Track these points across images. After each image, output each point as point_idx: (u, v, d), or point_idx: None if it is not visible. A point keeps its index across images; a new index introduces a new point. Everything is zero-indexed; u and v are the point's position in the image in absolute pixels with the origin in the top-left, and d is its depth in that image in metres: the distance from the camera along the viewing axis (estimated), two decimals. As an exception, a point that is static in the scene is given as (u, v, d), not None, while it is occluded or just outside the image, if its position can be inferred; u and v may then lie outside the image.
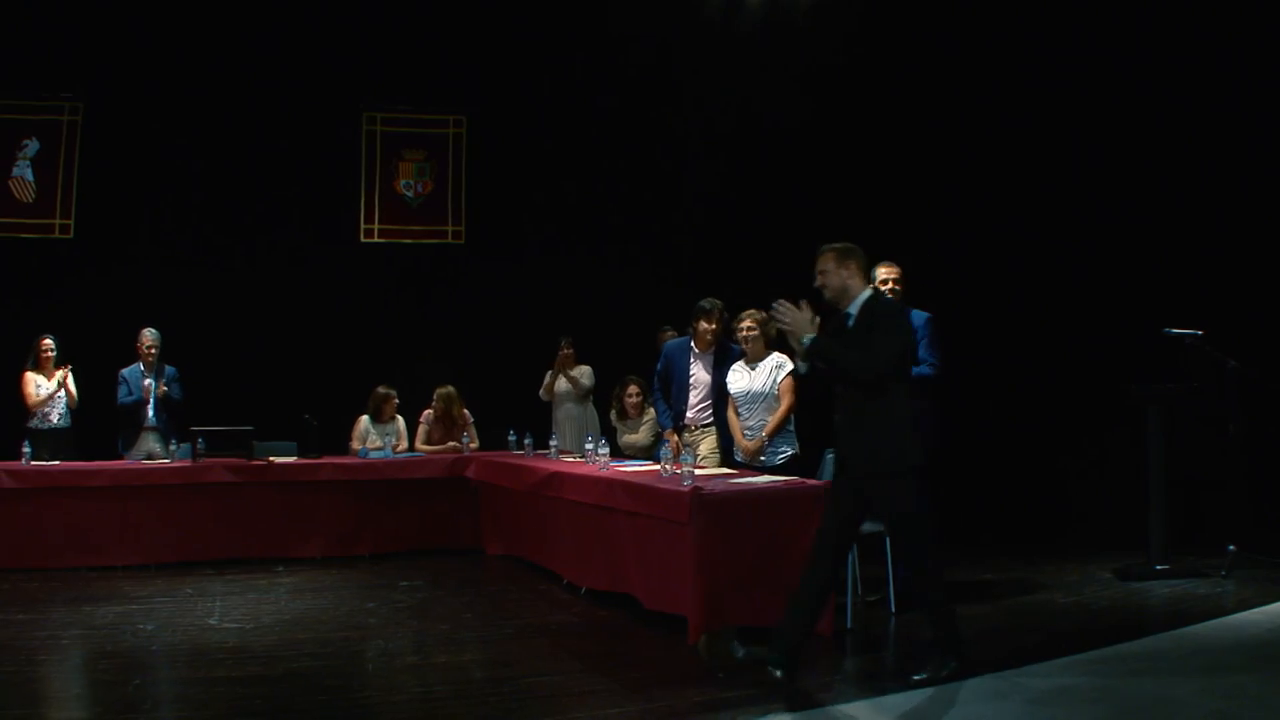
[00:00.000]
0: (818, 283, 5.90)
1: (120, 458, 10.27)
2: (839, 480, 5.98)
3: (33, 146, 12.03)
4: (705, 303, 8.63)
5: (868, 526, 6.87)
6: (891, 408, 5.69)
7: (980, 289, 11.54)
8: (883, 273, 7.50)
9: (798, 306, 5.77)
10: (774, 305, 5.80)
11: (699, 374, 8.61)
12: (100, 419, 10.53)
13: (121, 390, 10.35)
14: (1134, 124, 10.82)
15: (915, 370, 7.17)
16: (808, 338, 5.68)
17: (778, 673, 5.62)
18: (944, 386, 7.65)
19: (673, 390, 8.73)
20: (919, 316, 7.47)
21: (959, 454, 8.47)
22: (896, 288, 7.48)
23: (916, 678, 5.63)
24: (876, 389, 5.67)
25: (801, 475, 7.44)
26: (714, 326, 8.54)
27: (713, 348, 8.56)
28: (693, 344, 8.67)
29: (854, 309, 5.83)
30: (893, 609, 7.30)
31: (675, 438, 8.53)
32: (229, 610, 7.82)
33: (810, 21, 12.13)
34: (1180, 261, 10.33)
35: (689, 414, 8.64)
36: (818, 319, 5.79)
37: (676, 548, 6.62)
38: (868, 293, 5.87)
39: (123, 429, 10.48)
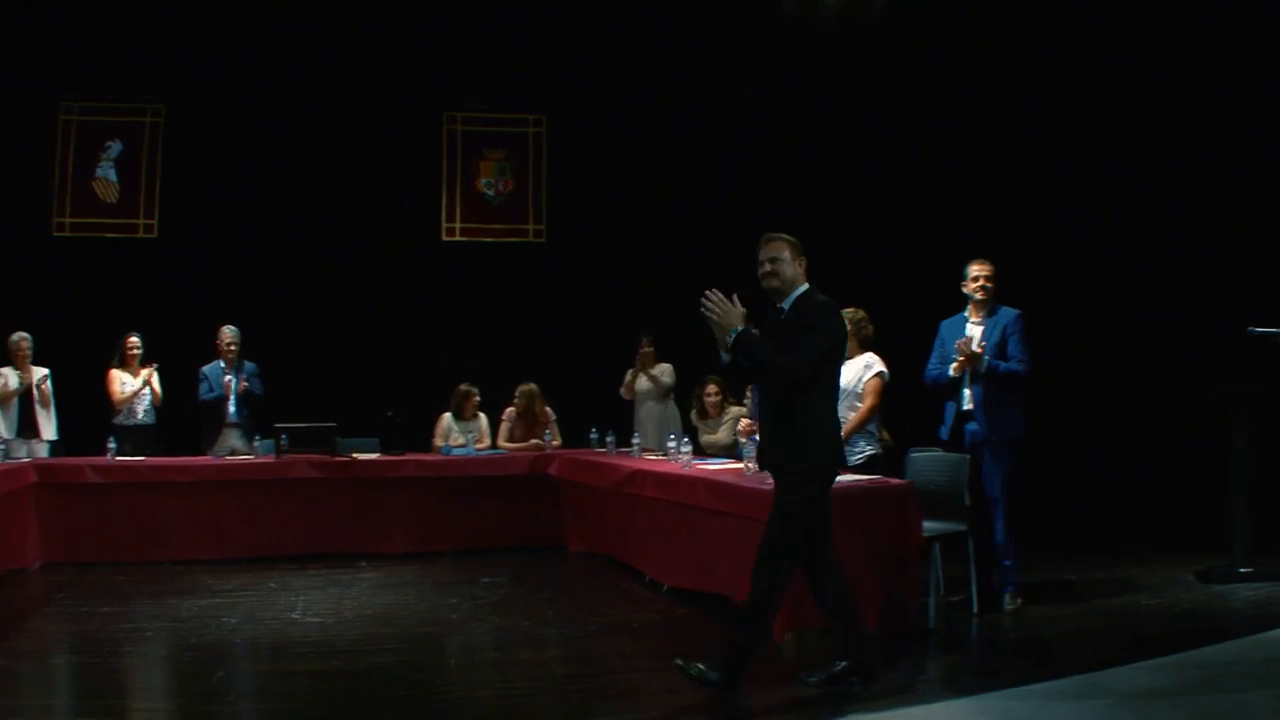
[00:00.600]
0: (767, 269, 5.69)
1: (203, 454, 10.29)
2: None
3: (115, 148, 12.18)
4: None
5: (942, 526, 6.89)
6: (811, 408, 5.52)
7: (1066, 286, 11.33)
8: (975, 270, 7.47)
9: (730, 299, 5.53)
10: (704, 294, 5.54)
11: None
12: (183, 416, 10.61)
13: (203, 387, 10.41)
14: (1221, 119, 10.55)
15: (1004, 367, 7.21)
16: (735, 329, 5.44)
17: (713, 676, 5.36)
18: (1031, 384, 7.51)
19: None
20: (1008, 313, 7.44)
21: (1043, 451, 8.27)
22: (988, 285, 7.43)
23: (812, 679, 5.55)
24: (798, 389, 5.50)
25: (882, 475, 7.33)
26: None
27: None
28: None
29: (787, 304, 5.67)
30: (975, 610, 7.17)
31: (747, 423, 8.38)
32: (311, 604, 7.82)
33: (887, 12, 12.00)
34: (1267, 259, 10.04)
35: None
36: (745, 312, 5.55)
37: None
38: (804, 287, 5.69)
39: (205, 426, 10.53)
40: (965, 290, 7.55)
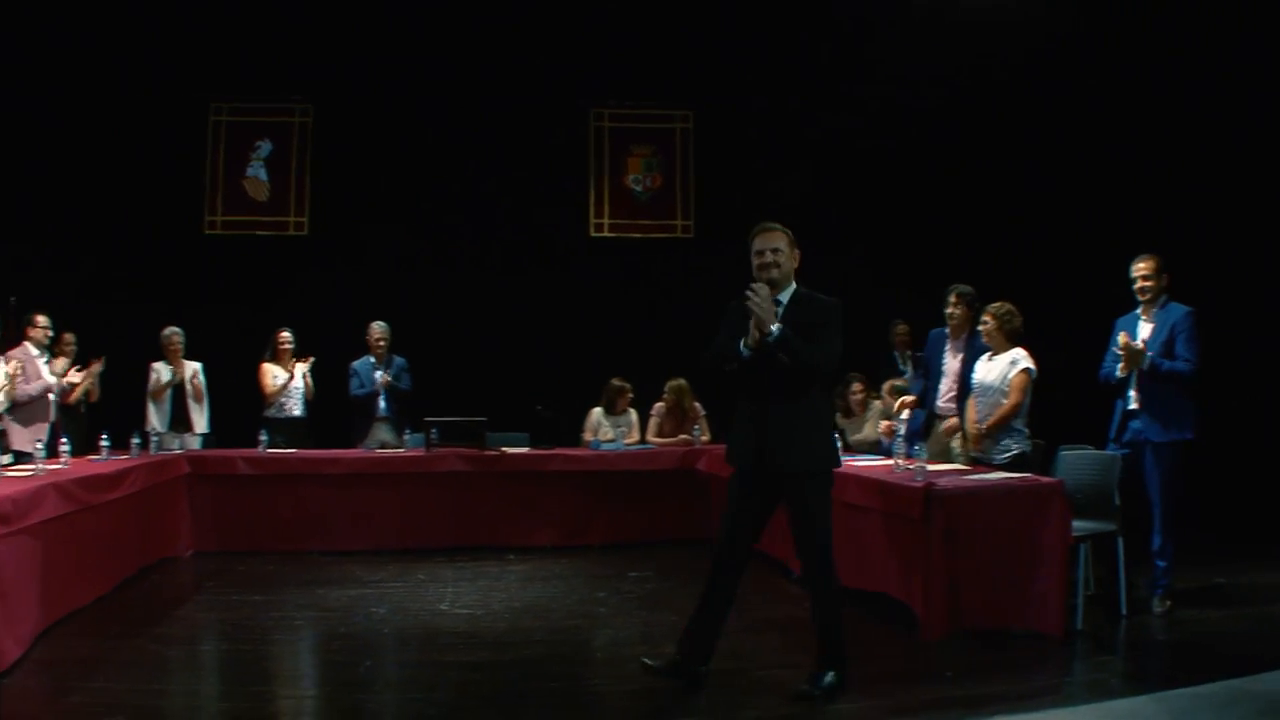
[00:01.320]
0: (768, 259, 5.54)
1: (353, 448, 10.32)
2: (748, 481, 5.58)
3: (265, 148, 12.37)
4: (951, 287, 8.29)
5: (1092, 526, 6.72)
6: (817, 406, 5.54)
7: (1245, 283, 10.90)
8: (1136, 268, 7.32)
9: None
10: (750, 287, 5.38)
11: (949, 362, 8.29)
12: (333, 409, 10.65)
13: (354, 383, 10.45)
14: None
15: (1168, 365, 7.01)
16: (776, 327, 5.31)
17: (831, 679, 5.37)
18: (1206, 385, 7.27)
19: (930, 379, 8.45)
20: (1178, 310, 7.23)
21: (1218, 453, 7.92)
22: (1147, 283, 7.27)
23: (803, 689, 5.36)
24: (808, 387, 5.44)
25: (1032, 474, 7.12)
26: (953, 311, 8.19)
27: (962, 334, 8.18)
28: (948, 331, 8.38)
29: (784, 298, 5.53)
30: (1123, 611, 6.91)
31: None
32: (460, 596, 7.79)
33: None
34: None
35: (939, 403, 8.33)
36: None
37: (910, 544, 6.44)
38: (794, 285, 5.59)
39: (355, 420, 10.56)
40: (1134, 288, 7.34)
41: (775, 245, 5.56)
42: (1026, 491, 6.45)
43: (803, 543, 5.52)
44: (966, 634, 6.21)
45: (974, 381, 7.65)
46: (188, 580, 8.45)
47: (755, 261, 5.56)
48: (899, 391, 9.02)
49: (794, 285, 5.58)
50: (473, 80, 12.20)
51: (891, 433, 8.70)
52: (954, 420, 7.84)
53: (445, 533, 9.63)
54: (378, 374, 10.42)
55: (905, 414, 8.63)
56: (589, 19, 12.12)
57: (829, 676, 5.34)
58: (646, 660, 5.59)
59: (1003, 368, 7.39)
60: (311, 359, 10.46)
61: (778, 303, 5.48)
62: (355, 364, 10.52)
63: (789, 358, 5.31)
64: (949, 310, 8.18)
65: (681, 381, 10.57)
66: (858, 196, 12.50)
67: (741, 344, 5.40)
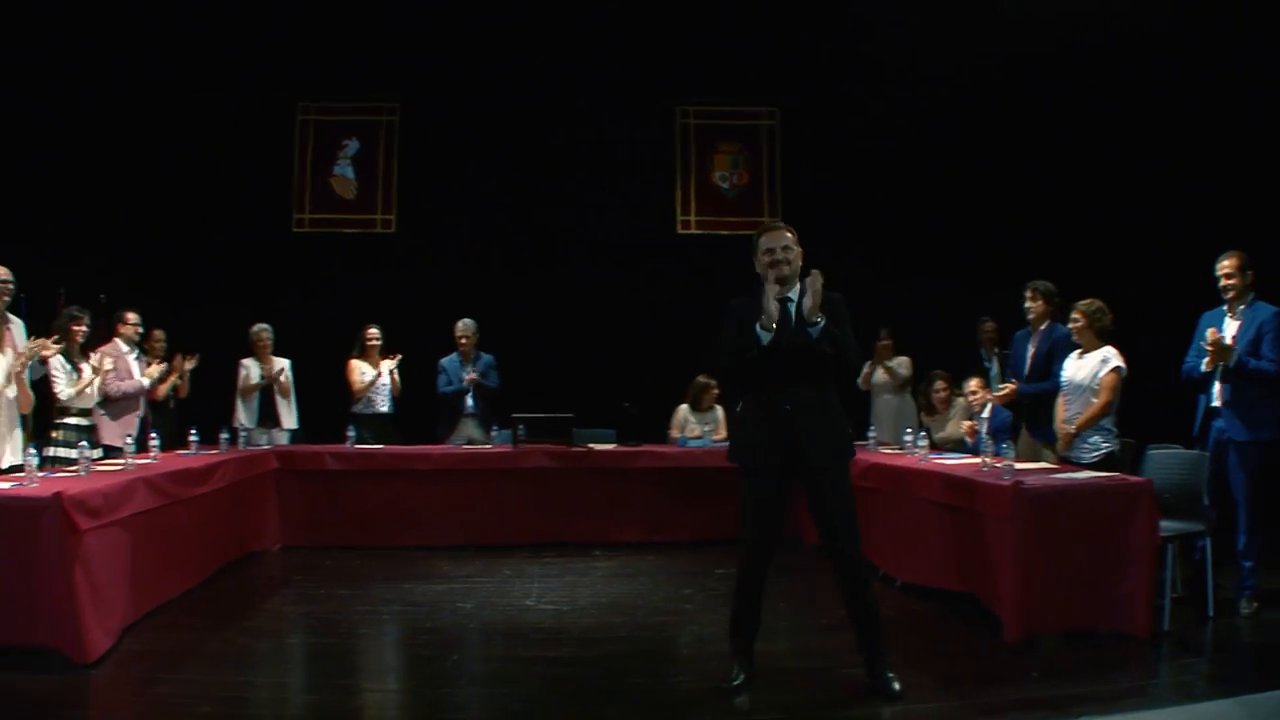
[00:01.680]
0: (778, 256, 5.52)
1: (441, 444, 10.33)
2: (774, 478, 5.52)
3: (353, 146, 12.46)
4: (1029, 283, 8.28)
5: (1179, 526, 6.59)
6: (835, 399, 5.58)
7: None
8: (1220, 265, 7.18)
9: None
10: (813, 273, 5.38)
11: (1026, 358, 8.26)
12: (420, 406, 10.68)
13: (441, 380, 10.45)
14: None
15: (1254, 364, 6.92)
16: (822, 318, 5.35)
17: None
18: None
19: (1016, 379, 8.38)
20: (1265, 310, 7.08)
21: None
22: (1229, 281, 7.12)
23: (896, 687, 5.30)
24: (829, 378, 5.52)
25: (1119, 472, 7.01)
26: (1030, 305, 8.19)
27: (1041, 328, 8.14)
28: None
29: (793, 295, 5.52)
30: (1210, 613, 6.75)
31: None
32: (546, 592, 7.77)
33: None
34: None
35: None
36: None
37: (996, 543, 6.35)
38: (799, 283, 5.54)
39: (442, 416, 10.57)
40: (1219, 286, 7.21)
41: (785, 243, 5.56)
42: (1114, 491, 6.33)
43: (837, 533, 5.48)
44: (1052, 634, 6.17)
45: (1063, 380, 7.58)
46: (275, 574, 8.51)
47: (765, 260, 5.55)
48: (984, 388, 8.88)
49: (799, 283, 5.53)
50: (559, 78, 12.19)
51: (974, 432, 8.56)
52: (1063, 433, 7.57)
53: (531, 528, 9.62)
54: (465, 371, 10.41)
55: (986, 411, 8.49)
56: (674, 16, 12.07)
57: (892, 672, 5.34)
58: (726, 685, 5.44)
59: (1093, 366, 7.32)
60: (398, 356, 10.48)
61: (789, 300, 5.51)
62: (443, 361, 10.52)
63: (831, 348, 5.37)
64: (1025, 305, 8.19)
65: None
66: (945, 191, 12.32)
67: (758, 328, 5.39)
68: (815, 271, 5.39)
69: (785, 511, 5.64)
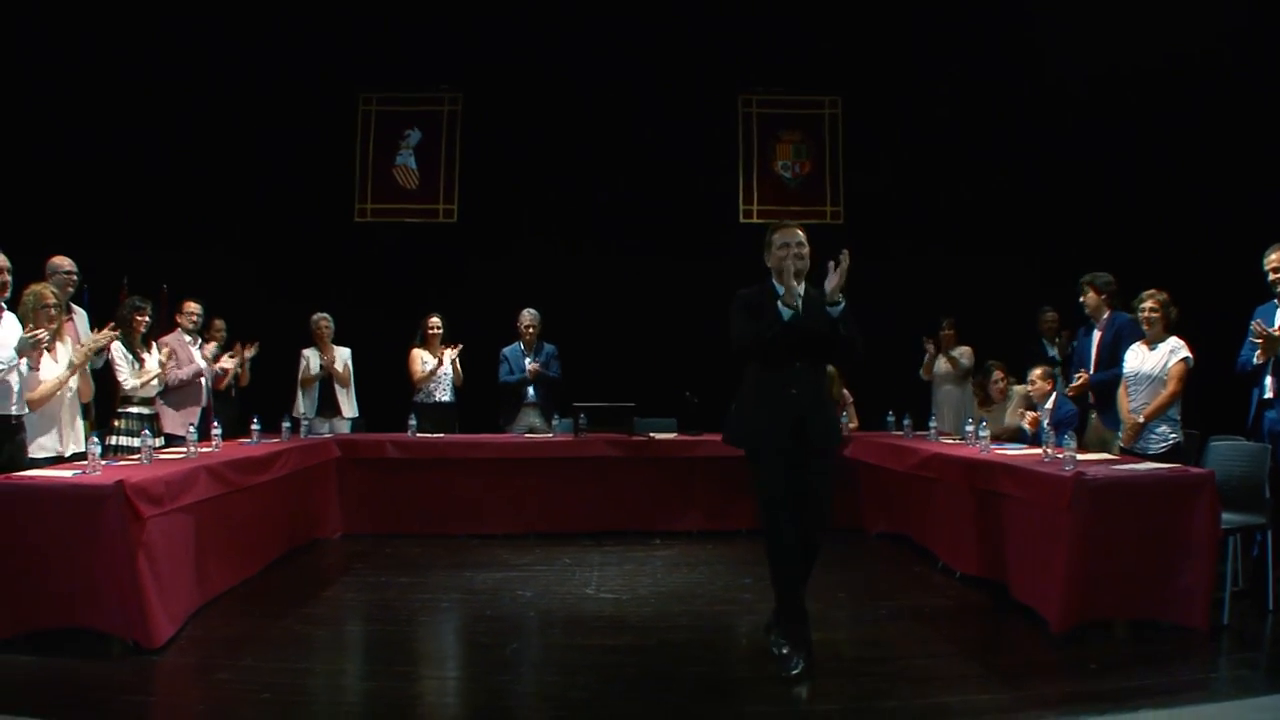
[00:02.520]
0: (794, 250, 5.72)
1: (502, 433, 10.35)
2: (779, 453, 5.64)
3: (414, 136, 12.49)
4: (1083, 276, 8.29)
5: (1240, 519, 6.56)
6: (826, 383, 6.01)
7: None
8: (1272, 259, 7.07)
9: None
10: (844, 251, 5.60)
11: (1091, 349, 8.25)
12: (482, 394, 10.71)
13: (503, 369, 10.47)
14: None
15: None
16: (843, 300, 5.58)
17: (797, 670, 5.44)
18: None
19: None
20: None
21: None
22: (1278, 275, 7.03)
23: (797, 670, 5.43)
24: (825, 368, 6.01)
25: (1184, 464, 6.92)
26: (1084, 299, 8.21)
27: (1103, 318, 8.15)
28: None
29: (801, 291, 5.66)
30: (1270, 607, 6.63)
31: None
32: (605, 580, 7.76)
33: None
34: None
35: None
36: None
37: (1057, 533, 6.25)
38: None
39: (503, 405, 10.58)
40: (1268, 280, 7.11)
41: (800, 239, 5.76)
42: (1176, 482, 6.23)
43: (815, 513, 5.67)
44: (1111, 626, 6.08)
45: (1127, 371, 7.54)
46: (336, 562, 8.54)
47: (780, 254, 5.72)
48: (1048, 378, 8.74)
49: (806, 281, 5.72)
50: (621, 67, 12.14)
51: (1036, 423, 8.46)
52: (1130, 424, 7.52)
53: (592, 517, 9.61)
54: (527, 361, 10.41)
55: (1050, 402, 8.40)
56: (737, 5, 12.01)
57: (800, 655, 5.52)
58: (786, 675, 5.43)
59: (1161, 356, 7.31)
60: (459, 346, 10.50)
61: (798, 298, 5.63)
62: (505, 350, 10.53)
63: (846, 330, 5.58)
64: (1081, 299, 8.22)
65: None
66: (1005, 182, 12.17)
67: (780, 305, 5.58)
68: (846, 250, 5.57)
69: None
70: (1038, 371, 8.79)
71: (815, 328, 5.55)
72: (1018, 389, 9.36)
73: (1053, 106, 11.99)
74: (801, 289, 5.61)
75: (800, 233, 5.77)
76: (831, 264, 5.55)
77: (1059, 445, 6.94)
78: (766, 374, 5.71)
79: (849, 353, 5.72)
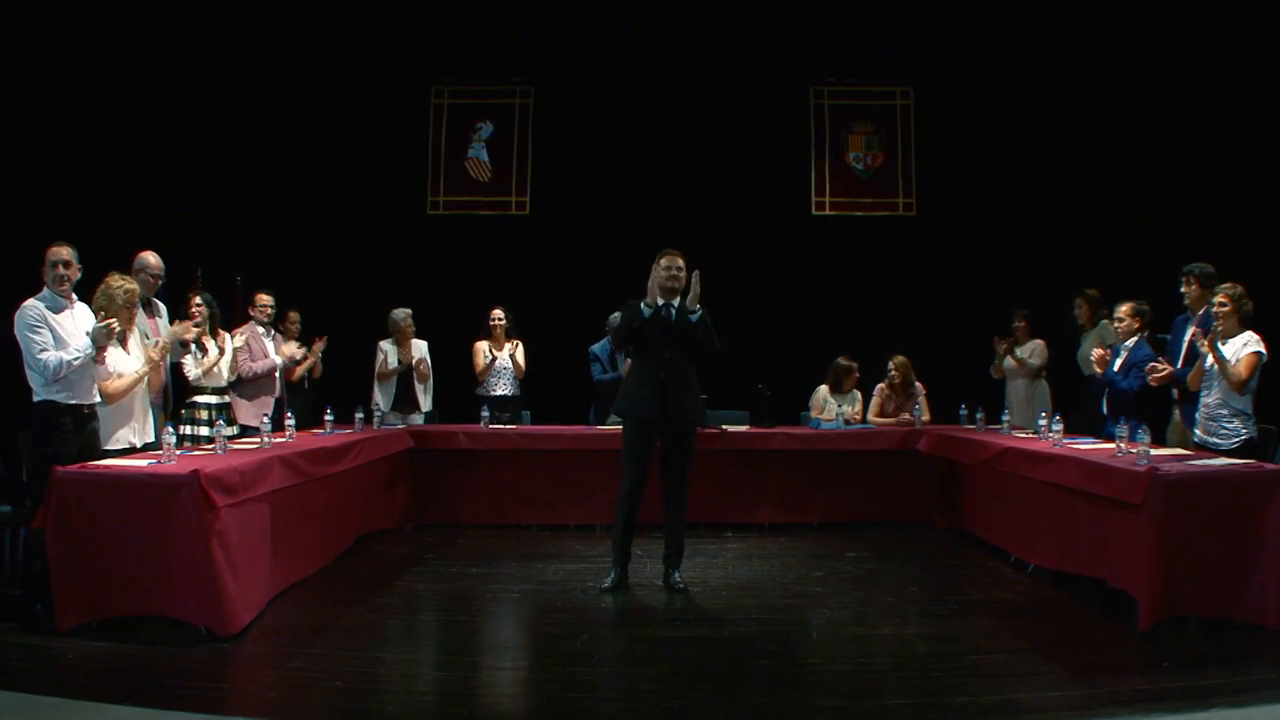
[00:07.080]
0: (675, 273, 7.26)
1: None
2: (647, 429, 7.28)
3: (486, 129, 12.49)
4: (1185, 267, 8.12)
5: None
6: (695, 377, 7.41)
7: None
8: None
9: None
10: (695, 271, 7.19)
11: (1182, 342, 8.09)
12: (550, 387, 10.80)
13: (595, 369, 10.30)
14: None
15: None
16: (700, 310, 7.19)
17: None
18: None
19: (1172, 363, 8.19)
20: None
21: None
22: None
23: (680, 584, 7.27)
24: (693, 361, 7.33)
25: (1257, 459, 6.78)
26: (1185, 290, 8.03)
27: (1200, 312, 7.92)
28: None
29: (675, 302, 7.28)
30: None
31: None
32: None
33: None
34: None
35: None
36: None
37: (1130, 529, 6.20)
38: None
39: (595, 403, 10.47)
40: None
41: (679, 265, 7.27)
42: (1251, 479, 6.12)
43: (678, 480, 7.34)
44: (1184, 624, 6.03)
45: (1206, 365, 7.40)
46: (408, 552, 8.57)
47: (664, 274, 7.24)
48: (1136, 315, 8.46)
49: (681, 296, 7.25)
50: (692, 59, 12.10)
51: (1104, 362, 8.30)
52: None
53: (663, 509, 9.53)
54: (621, 359, 10.28)
55: (1131, 341, 8.26)
56: (808, -3, 11.93)
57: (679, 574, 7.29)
58: (599, 588, 7.17)
59: (1234, 350, 7.14)
60: (518, 342, 10.52)
61: (672, 305, 7.22)
62: (594, 348, 10.40)
63: (704, 334, 7.17)
64: (1182, 290, 8.04)
65: (905, 358, 10.30)
66: (1078, 172, 11.98)
67: (643, 305, 7.20)
68: (697, 271, 7.16)
69: (653, 457, 7.34)
70: (1125, 308, 8.43)
71: (675, 326, 7.13)
72: (1106, 323, 9.25)
73: (1124, 96, 11.77)
74: (677, 301, 7.21)
75: (680, 260, 7.27)
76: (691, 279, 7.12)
77: (1132, 440, 6.79)
78: (642, 361, 7.30)
79: (707, 348, 7.23)
